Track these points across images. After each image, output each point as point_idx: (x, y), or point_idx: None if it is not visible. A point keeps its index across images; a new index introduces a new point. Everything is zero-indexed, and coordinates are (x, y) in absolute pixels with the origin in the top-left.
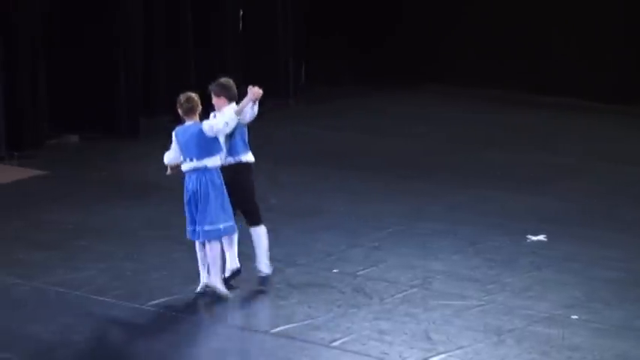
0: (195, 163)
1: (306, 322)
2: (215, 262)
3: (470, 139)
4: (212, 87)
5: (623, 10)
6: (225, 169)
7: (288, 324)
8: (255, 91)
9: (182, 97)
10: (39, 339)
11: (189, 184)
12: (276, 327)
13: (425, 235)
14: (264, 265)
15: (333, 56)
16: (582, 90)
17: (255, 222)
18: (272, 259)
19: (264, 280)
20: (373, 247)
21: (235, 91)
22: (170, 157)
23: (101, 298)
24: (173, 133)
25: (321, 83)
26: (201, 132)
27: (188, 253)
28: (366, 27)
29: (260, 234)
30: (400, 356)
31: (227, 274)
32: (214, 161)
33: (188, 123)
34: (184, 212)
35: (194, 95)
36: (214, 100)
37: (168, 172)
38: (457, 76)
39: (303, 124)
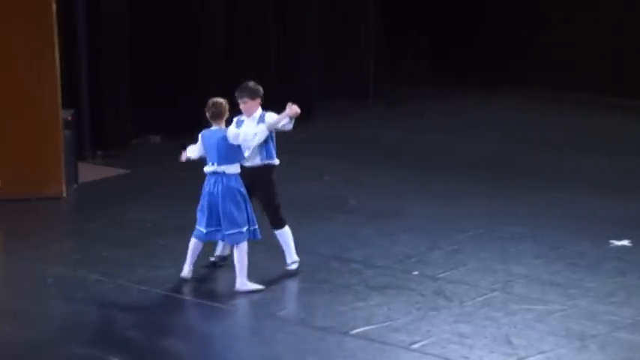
0: (215, 168)
1: (385, 324)
2: (242, 264)
3: (553, 143)
4: (244, 92)
5: None
6: (251, 171)
7: (367, 325)
8: (294, 109)
9: (210, 102)
10: (122, 336)
11: (207, 186)
12: (356, 328)
13: (505, 238)
14: (290, 258)
15: (414, 57)
16: None
17: (277, 225)
18: (351, 260)
19: (291, 275)
20: (453, 250)
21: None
22: (192, 149)
23: (182, 297)
24: (199, 135)
25: (402, 84)
26: (224, 139)
27: (266, 253)
28: (449, 27)
29: (283, 234)
30: None
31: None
32: (233, 169)
33: (214, 127)
34: (196, 210)
35: (222, 101)
36: (250, 104)
37: (183, 158)
38: (541, 78)
39: (383, 125)
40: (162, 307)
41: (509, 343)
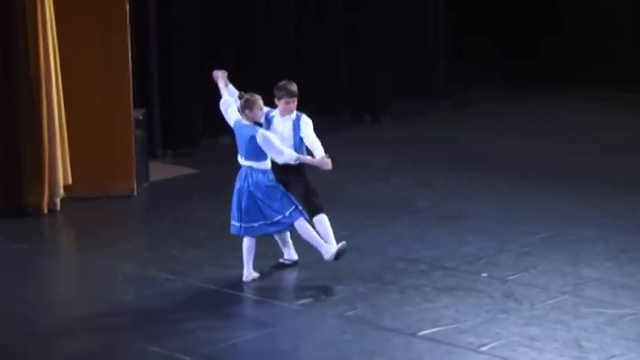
0: (243, 161)
1: (453, 326)
2: (311, 238)
3: (624, 145)
4: (290, 91)
5: None
6: (284, 169)
7: (435, 327)
8: (327, 163)
9: (241, 94)
10: (190, 334)
11: (238, 181)
12: (423, 330)
13: (575, 241)
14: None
15: (485, 58)
16: None
17: (318, 210)
18: (419, 261)
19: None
20: (523, 252)
21: None
22: (230, 101)
23: (250, 296)
24: (234, 122)
25: (472, 85)
26: (253, 138)
27: None
28: (520, 28)
29: (323, 220)
30: None
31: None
32: (261, 165)
33: (244, 122)
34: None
35: (249, 96)
36: (293, 105)
37: (220, 77)
38: (613, 79)
39: (453, 126)
40: (229, 307)
41: (580, 346)
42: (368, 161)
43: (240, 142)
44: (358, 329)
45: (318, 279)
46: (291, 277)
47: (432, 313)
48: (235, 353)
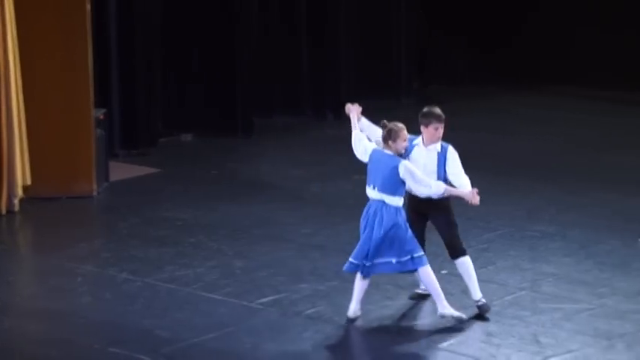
0: (375, 194)
1: (411, 323)
2: (432, 289)
3: (587, 142)
4: (438, 115)
5: None
6: (431, 202)
7: (391, 324)
8: (476, 198)
9: (384, 123)
10: (150, 334)
11: (366, 216)
12: (380, 326)
13: (534, 237)
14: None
15: (451, 56)
16: None
17: (458, 254)
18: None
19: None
20: (482, 249)
21: None
22: (361, 139)
23: (210, 295)
24: (371, 150)
25: (438, 82)
26: (395, 169)
27: (296, 252)
28: (489, 26)
29: (465, 264)
30: (508, 359)
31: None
32: (393, 201)
33: (386, 151)
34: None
35: (393, 126)
36: (442, 130)
37: (353, 113)
38: (580, 77)
39: (417, 123)
40: (190, 306)
41: (537, 342)
42: (330, 159)
43: (376, 172)
44: (318, 327)
45: (280, 277)
46: (252, 276)
47: (391, 310)
48: (195, 353)
